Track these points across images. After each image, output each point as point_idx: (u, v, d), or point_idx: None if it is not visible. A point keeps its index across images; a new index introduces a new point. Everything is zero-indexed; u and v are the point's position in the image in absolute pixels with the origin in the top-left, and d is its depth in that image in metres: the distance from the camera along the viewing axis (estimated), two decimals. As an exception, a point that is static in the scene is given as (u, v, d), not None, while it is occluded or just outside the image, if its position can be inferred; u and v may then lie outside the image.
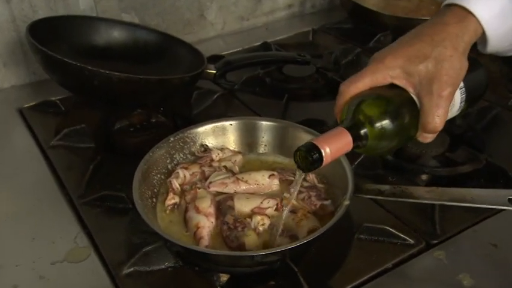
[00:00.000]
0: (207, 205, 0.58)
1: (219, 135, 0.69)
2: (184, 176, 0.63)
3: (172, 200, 0.60)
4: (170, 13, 1.03)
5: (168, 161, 0.65)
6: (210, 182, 0.62)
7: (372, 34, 1.05)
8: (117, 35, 0.91)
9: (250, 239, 0.54)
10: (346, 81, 0.54)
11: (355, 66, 0.98)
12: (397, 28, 1.04)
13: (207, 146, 0.68)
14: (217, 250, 0.55)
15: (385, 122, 0.50)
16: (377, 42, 1.04)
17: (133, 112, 0.78)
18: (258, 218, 0.57)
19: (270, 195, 0.61)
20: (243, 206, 0.59)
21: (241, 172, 0.65)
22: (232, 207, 0.58)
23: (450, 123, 0.77)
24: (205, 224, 0.57)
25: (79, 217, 0.63)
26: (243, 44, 1.06)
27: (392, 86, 0.53)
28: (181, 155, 0.67)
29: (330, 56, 0.99)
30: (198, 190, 0.61)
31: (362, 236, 0.58)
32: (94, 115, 0.81)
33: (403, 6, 1.14)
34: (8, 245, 0.60)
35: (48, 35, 0.81)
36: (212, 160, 0.66)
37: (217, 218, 0.58)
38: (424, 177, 0.67)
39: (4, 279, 0.55)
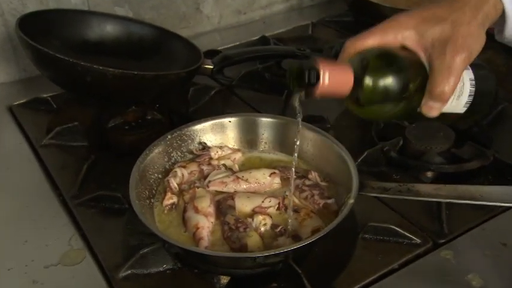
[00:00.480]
0: (206, 205, 0.57)
1: (218, 133, 0.67)
2: (183, 175, 0.61)
3: (170, 199, 0.58)
4: (165, 6, 1.01)
5: (165, 160, 0.63)
6: (209, 181, 0.60)
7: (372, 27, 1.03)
8: (110, 29, 0.89)
9: (253, 239, 0.53)
10: (352, 37, 0.51)
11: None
12: (398, 21, 1.03)
13: (205, 143, 0.66)
14: (217, 251, 0.53)
15: (390, 79, 0.47)
16: (378, 35, 1.02)
17: (128, 109, 0.77)
18: (260, 217, 0.55)
19: (271, 194, 0.59)
20: (243, 206, 0.57)
21: (241, 170, 0.63)
22: (232, 207, 0.57)
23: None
24: (205, 224, 0.55)
25: (73, 218, 0.61)
26: (240, 39, 1.05)
27: (403, 50, 0.50)
28: (179, 153, 0.65)
29: (330, 50, 0.97)
30: (196, 189, 0.59)
31: (367, 236, 0.57)
32: (87, 112, 0.80)
33: (405, -1, 1.12)
34: (-2, 248, 0.58)
35: (38, 30, 0.78)
36: (211, 158, 0.64)
37: (217, 218, 0.57)
38: (429, 174, 0.66)
39: (-5, 284, 0.53)
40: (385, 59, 0.48)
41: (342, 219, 0.51)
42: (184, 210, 0.57)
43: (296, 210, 0.57)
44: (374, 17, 1.05)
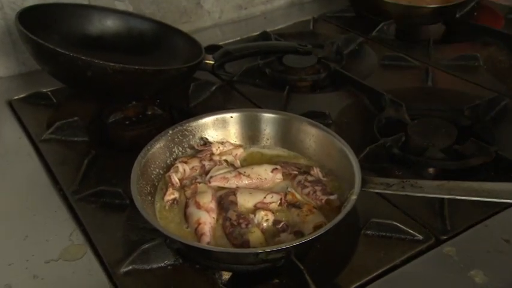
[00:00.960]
0: (208, 200, 0.57)
1: (220, 128, 0.67)
2: (184, 171, 0.61)
3: (171, 195, 0.58)
4: (166, 1, 1.01)
5: (166, 155, 0.63)
6: (211, 177, 0.60)
7: (374, 23, 1.03)
8: (110, 24, 0.88)
9: (255, 236, 0.53)
10: None
11: (358, 56, 0.96)
12: (401, 17, 1.03)
13: (206, 139, 0.66)
14: (219, 247, 0.53)
15: None
16: (380, 31, 1.02)
17: (129, 104, 0.76)
18: (262, 213, 0.55)
19: (274, 190, 0.59)
20: (245, 201, 0.57)
21: (242, 166, 0.63)
22: (234, 203, 0.57)
23: (458, 114, 0.77)
24: (207, 219, 0.55)
25: (74, 214, 0.61)
26: (241, 34, 1.04)
27: None
28: (180, 149, 0.64)
29: (332, 45, 0.97)
30: (198, 185, 0.59)
31: (369, 232, 0.57)
32: (87, 107, 0.80)
33: (407, -6, 1.12)
34: (-1, 243, 0.57)
35: (38, 24, 0.78)
36: (212, 154, 0.64)
37: (218, 214, 0.56)
38: (431, 170, 0.66)
39: (-4, 279, 0.53)
40: None
41: (344, 216, 0.51)
42: (186, 206, 0.57)
43: (298, 206, 0.56)
44: (376, 13, 1.07)
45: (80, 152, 0.70)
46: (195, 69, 0.81)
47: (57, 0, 0.88)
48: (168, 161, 0.63)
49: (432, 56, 0.94)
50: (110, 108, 0.76)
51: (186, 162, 0.62)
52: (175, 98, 0.81)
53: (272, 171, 0.61)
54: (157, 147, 0.62)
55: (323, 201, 0.57)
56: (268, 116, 0.66)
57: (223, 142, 0.66)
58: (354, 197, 0.53)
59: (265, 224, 0.55)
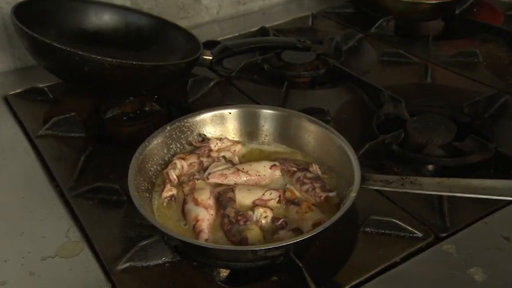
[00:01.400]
0: (206, 197, 0.56)
1: (218, 124, 0.66)
2: (182, 167, 0.60)
3: (169, 192, 0.58)
4: (164, -4, 1.00)
5: (164, 152, 0.62)
6: (209, 173, 0.60)
7: (374, 19, 1.03)
8: (108, 19, 0.88)
9: (253, 233, 0.52)
10: None
11: (357, 53, 0.96)
12: (400, 13, 1.02)
13: (204, 135, 0.65)
14: (217, 244, 0.52)
15: None
16: (379, 27, 1.01)
17: (126, 100, 0.76)
18: (261, 210, 0.55)
19: (272, 187, 0.59)
20: (244, 198, 0.57)
21: (241, 163, 0.63)
22: (233, 200, 0.56)
23: (457, 111, 0.76)
24: (205, 216, 0.54)
25: (71, 210, 0.60)
26: (239, 30, 1.04)
27: None
28: (178, 145, 0.64)
29: (331, 41, 0.96)
30: (196, 181, 0.58)
31: (368, 229, 0.56)
32: (84, 103, 0.79)
33: (407, -10, 1.11)
34: (-5, 240, 0.57)
35: (34, 18, 0.77)
36: (210, 150, 0.63)
37: (217, 211, 0.56)
38: (430, 167, 0.65)
39: (-8, 276, 0.52)
40: None
41: (343, 213, 0.51)
42: (184, 203, 0.57)
43: (297, 203, 0.56)
44: (375, 9, 1.07)
45: (76, 148, 0.70)
46: (193, 64, 0.81)
47: (53, -6, 0.87)
48: (166, 158, 0.62)
49: (431, 52, 0.94)
50: (107, 104, 0.76)
51: (184, 159, 0.61)
52: (173, 94, 0.81)
53: (271, 168, 0.60)
54: (155, 144, 0.61)
55: (322, 198, 0.57)
56: (266, 112, 0.66)
57: (221, 138, 0.65)
58: (353, 194, 0.52)
59: (263, 221, 0.54)
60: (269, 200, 0.57)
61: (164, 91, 0.79)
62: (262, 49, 0.92)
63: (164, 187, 0.58)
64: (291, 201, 0.57)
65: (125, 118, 0.75)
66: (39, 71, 0.79)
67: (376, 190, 0.58)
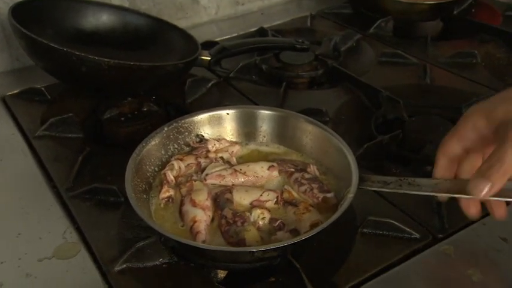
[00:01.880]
0: (203, 198, 0.56)
1: (216, 125, 0.66)
2: (179, 168, 0.60)
3: (167, 193, 0.57)
4: (162, -3, 1.00)
5: (162, 152, 0.62)
6: (207, 174, 0.59)
7: (372, 20, 1.02)
8: (105, 19, 0.87)
9: (251, 234, 0.52)
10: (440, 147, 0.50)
11: (355, 53, 0.96)
12: (399, 13, 1.02)
13: (202, 136, 0.65)
14: (215, 245, 0.52)
15: None
16: (378, 28, 1.01)
17: (124, 101, 0.76)
18: (258, 211, 0.55)
19: (270, 188, 0.59)
20: (241, 199, 0.57)
21: (239, 163, 0.62)
22: (230, 201, 0.56)
23: (455, 111, 0.76)
24: (202, 217, 0.54)
25: (68, 211, 0.60)
26: (237, 30, 1.04)
27: None
28: (176, 146, 0.64)
29: (329, 42, 0.96)
30: (194, 182, 0.58)
31: (366, 230, 0.56)
32: (82, 104, 0.79)
33: (405, -9, 1.11)
34: (-9, 241, 0.57)
35: (32, 19, 0.77)
36: (208, 151, 0.63)
37: (214, 212, 0.56)
38: (429, 168, 0.65)
39: (-12, 277, 0.52)
40: None
41: (341, 214, 0.50)
42: (181, 204, 0.56)
43: (295, 204, 0.56)
44: (373, 10, 1.06)
45: (74, 149, 0.69)
46: (191, 65, 0.80)
47: (51, -6, 0.87)
48: (163, 159, 0.62)
49: (430, 53, 0.94)
50: (105, 105, 0.75)
51: (181, 160, 0.61)
52: (171, 95, 0.81)
53: (268, 169, 0.60)
54: (153, 144, 0.61)
55: (320, 199, 0.56)
56: (265, 113, 0.66)
57: (219, 139, 0.65)
58: (350, 195, 0.52)
59: (261, 222, 0.54)
60: (267, 201, 0.56)
61: (162, 92, 0.79)
62: (260, 50, 0.91)
63: (162, 188, 0.58)
64: (289, 202, 0.56)
65: (122, 119, 0.75)
66: (37, 71, 0.79)
67: (374, 191, 0.58)
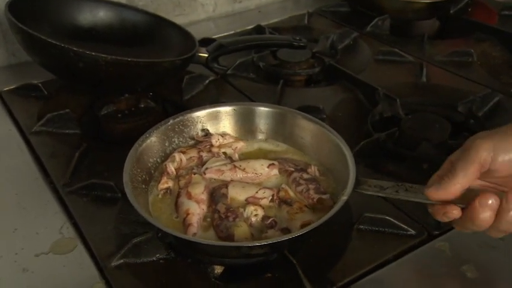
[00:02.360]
0: (199, 191, 0.56)
1: (221, 121, 0.66)
2: (181, 160, 0.60)
3: (165, 184, 0.58)
4: (159, -7, 1.00)
5: (166, 144, 0.62)
6: (206, 168, 0.59)
7: (369, 18, 1.03)
8: (103, 15, 0.87)
9: (241, 230, 0.52)
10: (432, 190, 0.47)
11: (352, 51, 0.96)
12: (396, 12, 1.03)
13: (208, 130, 0.65)
14: (206, 239, 0.52)
15: None
16: (374, 26, 1.02)
17: (121, 97, 0.76)
18: (252, 208, 0.55)
19: (267, 185, 0.58)
20: (238, 195, 0.57)
21: (240, 160, 0.62)
22: (225, 195, 0.56)
23: (451, 109, 0.77)
24: (196, 210, 0.54)
25: (64, 207, 0.60)
26: (235, 27, 1.03)
27: None
28: (181, 139, 0.64)
29: (326, 40, 0.96)
30: (193, 175, 0.58)
31: (362, 227, 0.56)
32: (79, 100, 0.79)
33: (402, -11, 1.11)
34: (-13, 236, 0.56)
35: (29, 14, 0.77)
36: (212, 146, 0.63)
37: (209, 206, 0.56)
38: (425, 166, 0.65)
39: (-16, 272, 0.52)
40: None
41: (331, 216, 0.50)
42: (178, 196, 0.56)
43: (289, 204, 0.56)
44: (370, 8, 1.07)
45: (71, 145, 0.69)
46: (188, 62, 0.80)
47: (48, -10, 0.87)
48: (167, 150, 0.62)
49: (426, 51, 0.94)
50: (102, 101, 0.75)
51: (184, 152, 0.61)
52: (168, 91, 0.81)
53: (268, 167, 0.60)
54: (156, 136, 0.61)
55: (315, 200, 0.56)
56: (264, 110, 0.65)
57: (223, 134, 0.65)
58: (344, 198, 0.52)
59: (254, 219, 0.54)
60: (262, 198, 0.56)
61: (159, 88, 0.79)
62: (257, 47, 0.91)
63: (161, 179, 0.58)
64: (284, 201, 0.56)
65: (119, 115, 0.75)
66: (34, 67, 0.78)
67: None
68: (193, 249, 0.53)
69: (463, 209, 0.46)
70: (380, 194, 0.53)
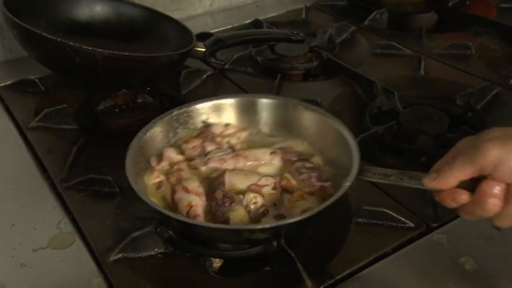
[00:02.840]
0: (196, 185, 0.56)
1: (223, 112, 0.65)
2: (169, 157, 0.60)
3: (156, 178, 0.57)
4: (156, -12, 0.99)
5: (171, 135, 0.62)
6: (209, 158, 0.59)
7: (367, 11, 1.03)
8: (99, 10, 0.87)
9: (236, 214, 0.51)
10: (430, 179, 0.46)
11: (350, 45, 0.96)
12: (394, 5, 1.03)
13: (210, 122, 0.65)
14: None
15: None
16: (372, 20, 1.01)
17: (118, 92, 0.76)
18: (251, 195, 0.54)
19: (269, 174, 0.58)
20: (239, 182, 0.56)
21: (242, 149, 0.62)
22: (222, 183, 0.56)
23: (449, 102, 0.77)
24: (198, 202, 0.54)
25: (62, 202, 0.60)
26: (232, 22, 1.03)
27: None
28: (186, 130, 0.64)
29: (324, 34, 0.96)
30: (181, 173, 0.58)
31: (360, 220, 0.56)
32: (76, 95, 0.78)
33: (400, -18, 1.11)
34: (-15, 232, 0.56)
35: (25, 9, 0.76)
36: (215, 135, 0.63)
37: (207, 198, 0.55)
38: (423, 158, 0.65)
39: (-18, 267, 0.52)
40: None
41: (333, 202, 0.49)
42: (173, 192, 0.56)
43: (290, 191, 0.56)
44: (368, 2, 1.06)
45: (68, 140, 0.69)
46: (185, 56, 0.80)
47: (44, -16, 0.86)
48: (171, 141, 0.62)
49: (424, 44, 0.94)
50: (99, 96, 0.75)
51: (187, 142, 0.61)
52: (165, 86, 0.81)
53: (270, 155, 0.60)
54: (161, 125, 0.61)
55: (317, 187, 0.56)
56: (273, 102, 0.65)
57: (227, 124, 0.65)
58: (346, 184, 0.51)
59: (252, 207, 0.53)
60: (264, 185, 0.56)
61: (157, 83, 0.78)
62: (255, 41, 0.91)
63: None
64: (285, 189, 0.56)
65: (117, 110, 0.74)
66: (30, 62, 0.78)
67: (368, 181, 0.57)
68: (195, 233, 0.52)
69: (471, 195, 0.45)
70: (384, 181, 0.52)
